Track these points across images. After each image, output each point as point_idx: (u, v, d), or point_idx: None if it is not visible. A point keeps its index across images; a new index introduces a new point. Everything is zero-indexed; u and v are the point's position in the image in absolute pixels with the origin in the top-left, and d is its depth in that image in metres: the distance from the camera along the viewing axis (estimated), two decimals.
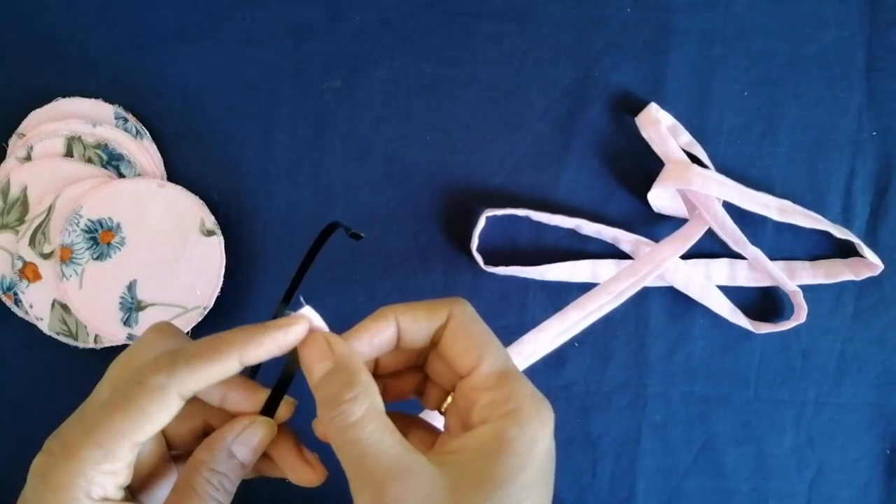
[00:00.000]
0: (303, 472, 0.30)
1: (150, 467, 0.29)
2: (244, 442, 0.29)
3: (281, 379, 0.29)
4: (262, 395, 0.29)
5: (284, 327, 0.28)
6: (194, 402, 0.30)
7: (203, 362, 0.27)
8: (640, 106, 0.49)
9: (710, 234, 0.49)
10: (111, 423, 0.26)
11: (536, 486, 0.27)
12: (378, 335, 0.29)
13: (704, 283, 0.48)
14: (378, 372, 0.32)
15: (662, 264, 0.47)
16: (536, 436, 0.27)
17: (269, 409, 0.29)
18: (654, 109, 0.48)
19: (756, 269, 0.49)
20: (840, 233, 0.48)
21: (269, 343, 0.28)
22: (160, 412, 0.27)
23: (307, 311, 0.29)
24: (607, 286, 0.46)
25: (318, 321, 0.29)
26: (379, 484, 0.25)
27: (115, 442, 0.26)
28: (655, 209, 0.49)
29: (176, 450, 0.31)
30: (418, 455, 0.26)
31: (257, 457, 0.29)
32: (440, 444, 0.31)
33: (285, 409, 0.30)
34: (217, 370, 0.27)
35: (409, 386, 0.33)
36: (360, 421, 0.26)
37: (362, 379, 0.27)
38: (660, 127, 0.47)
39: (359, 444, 0.26)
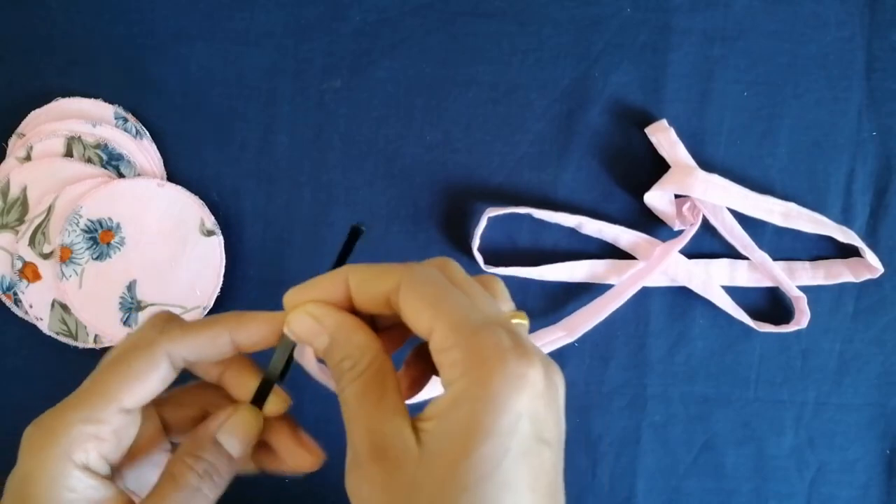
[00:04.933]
0: (299, 457, 0.29)
1: (143, 448, 0.29)
2: (229, 430, 0.28)
3: (269, 371, 0.28)
4: (257, 378, 0.29)
5: (273, 318, 0.28)
6: (194, 389, 0.30)
7: (194, 329, 0.27)
8: (640, 106, 0.49)
9: (711, 235, 0.49)
10: (99, 384, 0.26)
11: (508, 461, 0.22)
12: (325, 292, 0.27)
13: (706, 279, 0.48)
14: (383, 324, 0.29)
15: (666, 262, 0.47)
16: (502, 391, 0.22)
17: (259, 400, 0.29)
18: (664, 123, 0.48)
19: (757, 269, 0.49)
20: (844, 236, 0.48)
21: (256, 326, 0.27)
22: (149, 372, 0.26)
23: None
24: (615, 296, 0.46)
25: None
26: (355, 461, 0.25)
27: (101, 402, 0.26)
28: (651, 209, 0.49)
29: (175, 438, 0.31)
30: (399, 430, 0.24)
31: (246, 447, 0.28)
32: (429, 405, 0.26)
33: (278, 404, 0.29)
34: (207, 339, 0.27)
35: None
36: (351, 389, 0.25)
37: (357, 345, 0.26)
38: (670, 133, 0.47)
39: (348, 414, 0.25)
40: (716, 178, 0.47)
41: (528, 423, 0.22)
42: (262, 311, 0.28)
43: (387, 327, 0.29)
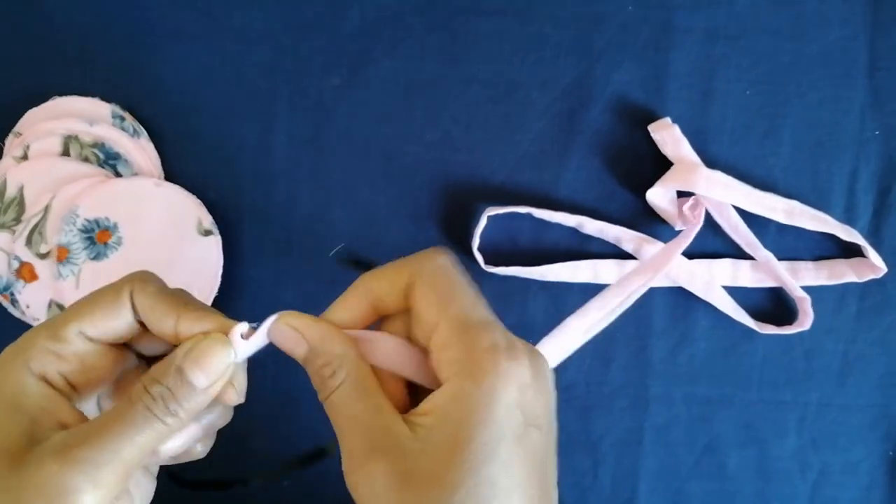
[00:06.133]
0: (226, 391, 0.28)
1: (107, 373, 0.29)
2: (194, 358, 0.27)
3: None
4: (218, 319, 0.28)
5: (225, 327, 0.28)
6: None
7: (164, 302, 0.28)
8: (642, 105, 0.49)
9: (713, 234, 0.49)
10: (66, 312, 0.28)
11: (504, 445, 0.24)
12: (353, 310, 0.29)
13: (708, 280, 0.48)
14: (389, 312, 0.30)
15: (671, 262, 0.46)
16: (496, 388, 0.25)
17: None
18: (668, 121, 0.48)
19: (759, 269, 0.49)
20: (847, 235, 0.48)
21: (208, 325, 0.28)
22: (112, 310, 0.28)
23: (237, 335, 0.28)
24: (622, 286, 0.45)
25: (242, 345, 0.28)
26: (352, 457, 0.26)
27: (63, 324, 0.27)
28: (653, 207, 0.49)
29: None
30: (392, 425, 0.26)
31: (214, 382, 0.27)
32: (424, 401, 0.28)
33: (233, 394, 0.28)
34: (165, 315, 0.28)
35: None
36: (337, 393, 0.27)
37: (336, 352, 0.27)
38: (674, 130, 0.47)
39: (338, 417, 0.27)
40: (719, 175, 0.47)
41: (518, 411, 0.25)
42: (220, 318, 0.29)
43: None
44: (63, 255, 0.46)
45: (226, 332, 0.28)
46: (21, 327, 0.47)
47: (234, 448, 0.48)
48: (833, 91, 0.49)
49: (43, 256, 0.46)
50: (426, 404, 0.26)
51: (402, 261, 0.29)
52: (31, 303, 0.46)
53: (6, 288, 0.47)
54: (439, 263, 0.28)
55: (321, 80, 0.49)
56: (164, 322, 0.28)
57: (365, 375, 0.27)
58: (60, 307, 0.46)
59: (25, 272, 0.46)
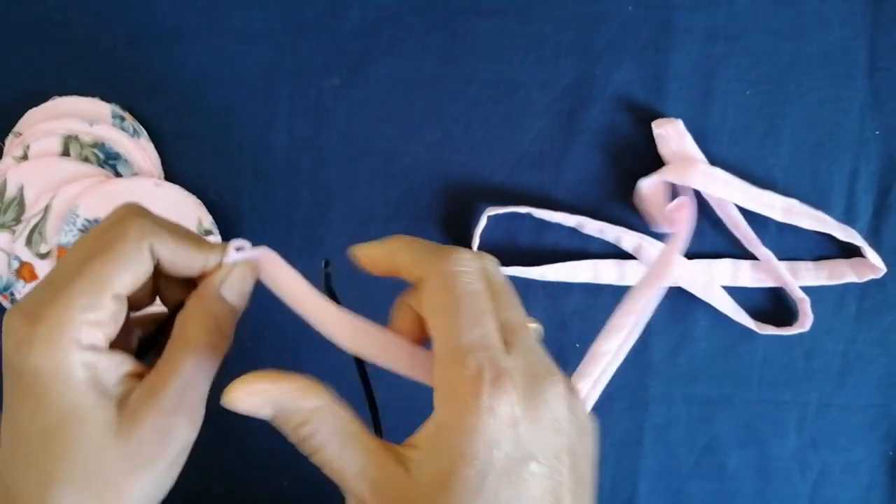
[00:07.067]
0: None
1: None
2: (234, 284, 0.29)
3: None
4: (221, 245, 0.30)
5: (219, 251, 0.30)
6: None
7: (182, 239, 0.29)
8: (642, 104, 0.49)
9: (713, 234, 0.49)
10: (93, 274, 0.27)
11: (490, 482, 0.24)
12: (377, 259, 0.30)
13: (708, 280, 0.48)
14: None
15: (674, 264, 0.47)
16: (477, 424, 0.24)
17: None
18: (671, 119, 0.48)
19: (759, 269, 0.49)
20: (844, 235, 0.47)
21: (214, 258, 0.29)
22: (137, 262, 0.27)
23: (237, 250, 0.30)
24: (633, 302, 0.45)
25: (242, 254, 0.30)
26: (353, 494, 0.26)
27: (99, 290, 0.26)
28: (638, 205, 0.48)
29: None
30: (384, 467, 0.25)
31: (246, 299, 0.30)
32: (416, 431, 0.28)
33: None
34: (187, 254, 0.29)
35: None
36: (322, 453, 0.26)
37: (309, 408, 0.26)
38: (678, 125, 0.47)
39: (330, 472, 0.26)
40: (717, 172, 0.46)
41: (505, 446, 0.24)
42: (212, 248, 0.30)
43: None
44: (63, 256, 0.46)
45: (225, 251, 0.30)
46: None
47: (235, 447, 0.48)
48: (833, 91, 0.49)
49: (43, 256, 0.46)
50: (415, 437, 0.26)
51: (425, 253, 0.28)
52: None
53: (6, 288, 0.47)
54: (447, 271, 0.27)
55: (321, 79, 0.49)
56: (193, 265, 0.29)
57: (345, 422, 0.26)
58: None
59: (25, 272, 0.46)
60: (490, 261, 0.28)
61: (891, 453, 0.49)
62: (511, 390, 0.24)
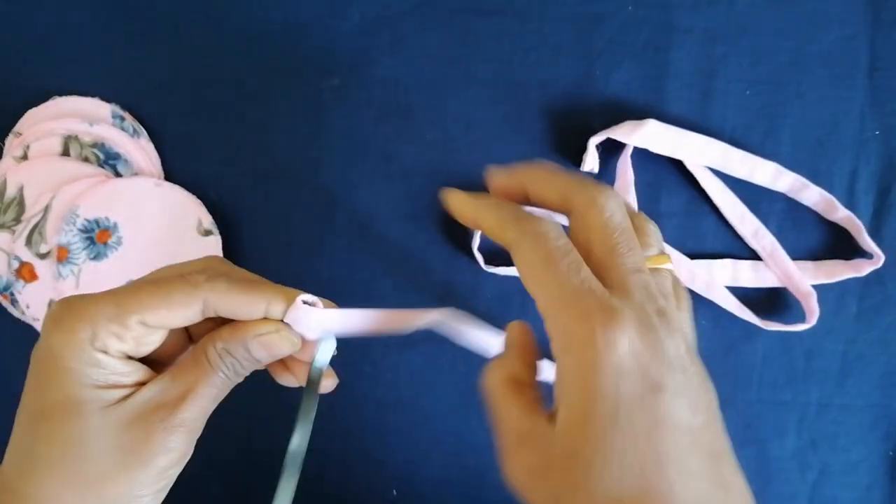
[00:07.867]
0: (283, 376, 0.33)
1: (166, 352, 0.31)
2: (264, 345, 0.30)
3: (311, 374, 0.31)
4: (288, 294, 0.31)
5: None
6: None
7: (238, 290, 0.29)
8: (642, 104, 0.49)
9: (714, 234, 0.49)
10: (135, 294, 0.28)
11: (622, 414, 0.24)
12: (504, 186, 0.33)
13: (709, 280, 0.48)
14: None
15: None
16: (594, 363, 0.25)
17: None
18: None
19: (760, 269, 0.49)
20: (844, 218, 0.47)
21: (281, 307, 0.30)
22: (181, 309, 0.28)
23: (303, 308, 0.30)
24: None
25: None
26: (505, 450, 0.28)
27: (128, 311, 0.28)
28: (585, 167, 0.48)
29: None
30: (537, 417, 0.27)
31: (272, 361, 0.31)
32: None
33: (329, 383, 0.33)
34: (245, 305, 0.29)
35: None
36: (493, 390, 0.29)
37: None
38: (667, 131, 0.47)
39: (493, 410, 0.28)
40: (715, 143, 0.47)
41: (630, 377, 0.25)
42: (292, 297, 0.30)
43: None
44: (63, 256, 0.46)
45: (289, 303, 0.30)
46: (21, 327, 0.47)
47: (234, 448, 0.48)
48: (833, 91, 0.49)
49: (43, 256, 0.46)
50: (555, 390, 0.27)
51: (518, 218, 0.29)
52: (31, 303, 0.46)
53: (6, 288, 0.47)
54: (541, 231, 0.27)
55: (321, 79, 0.49)
56: (253, 314, 0.30)
57: (518, 383, 0.29)
58: None
59: (25, 272, 0.46)
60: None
61: (891, 453, 0.49)
62: (626, 323, 0.25)
